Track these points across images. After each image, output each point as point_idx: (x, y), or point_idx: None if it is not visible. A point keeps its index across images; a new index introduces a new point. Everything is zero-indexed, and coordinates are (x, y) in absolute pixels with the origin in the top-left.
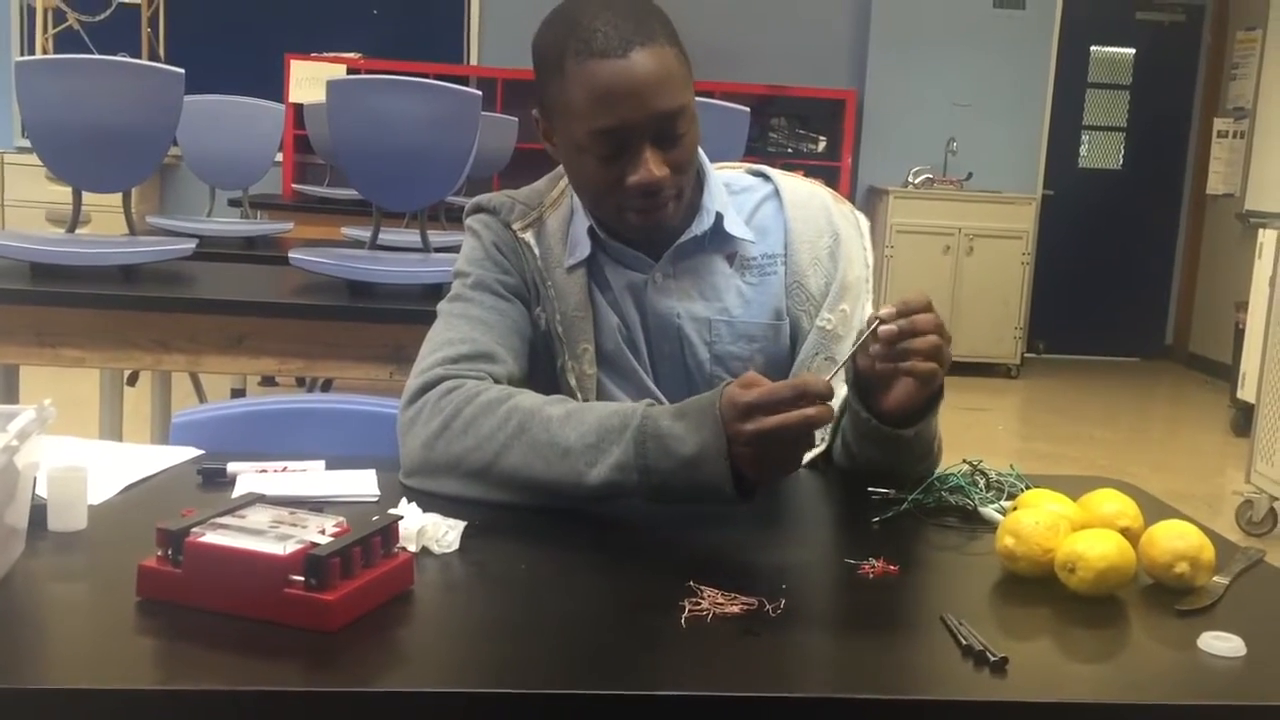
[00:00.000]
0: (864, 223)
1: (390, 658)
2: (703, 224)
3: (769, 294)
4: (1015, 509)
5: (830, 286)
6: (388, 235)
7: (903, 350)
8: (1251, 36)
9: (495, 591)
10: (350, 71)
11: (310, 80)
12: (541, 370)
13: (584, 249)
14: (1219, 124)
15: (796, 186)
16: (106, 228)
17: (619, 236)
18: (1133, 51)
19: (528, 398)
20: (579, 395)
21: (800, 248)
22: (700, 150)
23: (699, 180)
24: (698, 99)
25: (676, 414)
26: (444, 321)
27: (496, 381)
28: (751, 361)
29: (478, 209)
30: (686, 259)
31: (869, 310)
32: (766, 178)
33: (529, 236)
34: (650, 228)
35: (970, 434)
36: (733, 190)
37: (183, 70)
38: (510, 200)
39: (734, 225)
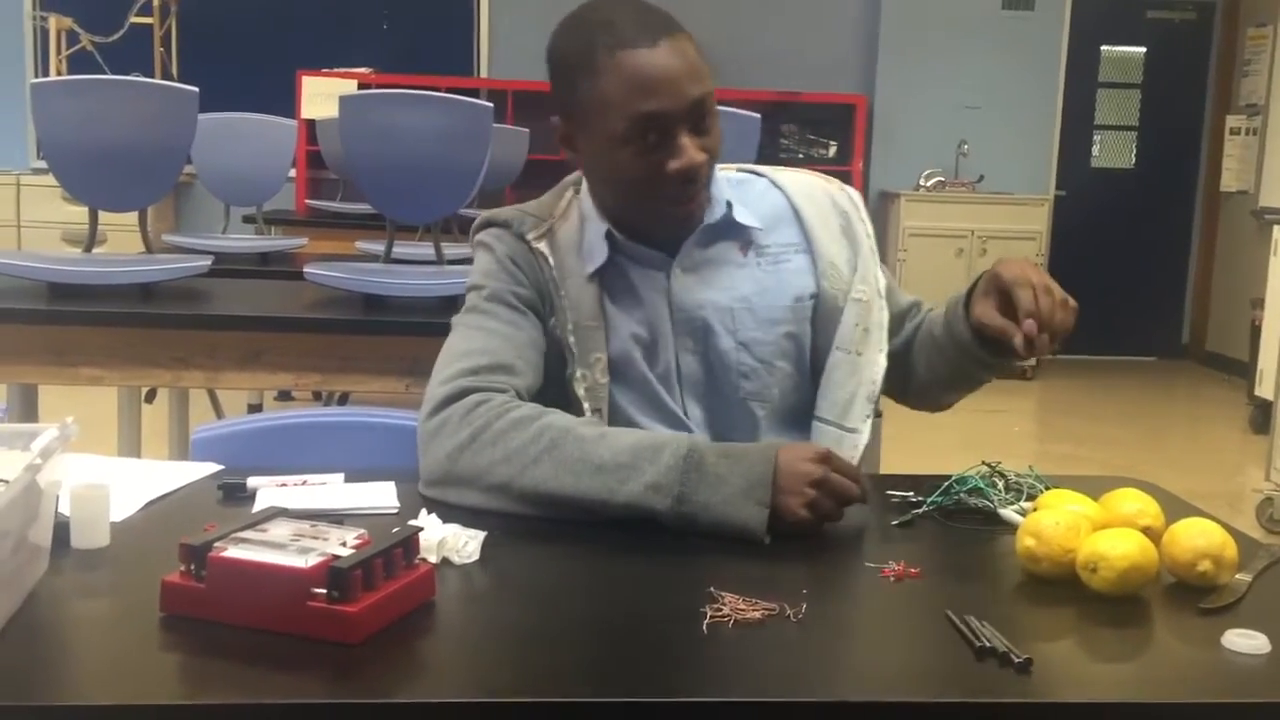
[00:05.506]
0: (856, 195)
1: (413, 668)
2: (714, 214)
3: (785, 278)
4: (1035, 510)
5: (853, 261)
6: (401, 249)
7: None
8: (1263, 33)
9: (516, 601)
10: (361, 86)
11: (322, 96)
12: (552, 380)
13: (601, 254)
14: (1231, 121)
15: (791, 176)
16: (123, 247)
17: (638, 236)
18: (1143, 50)
19: (560, 417)
20: (587, 405)
21: (821, 232)
22: None
23: None
24: None
25: (723, 453)
26: (460, 333)
27: (516, 394)
28: (776, 345)
29: (488, 223)
30: (703, 250)
31: (880, 275)
32: (757, 174)
33: (543, 246)
34: (684, 218)
35: (987, 436)
36: (731, 184)
37: (196, 89)
38: (520, 213)
39: (743, 214)
